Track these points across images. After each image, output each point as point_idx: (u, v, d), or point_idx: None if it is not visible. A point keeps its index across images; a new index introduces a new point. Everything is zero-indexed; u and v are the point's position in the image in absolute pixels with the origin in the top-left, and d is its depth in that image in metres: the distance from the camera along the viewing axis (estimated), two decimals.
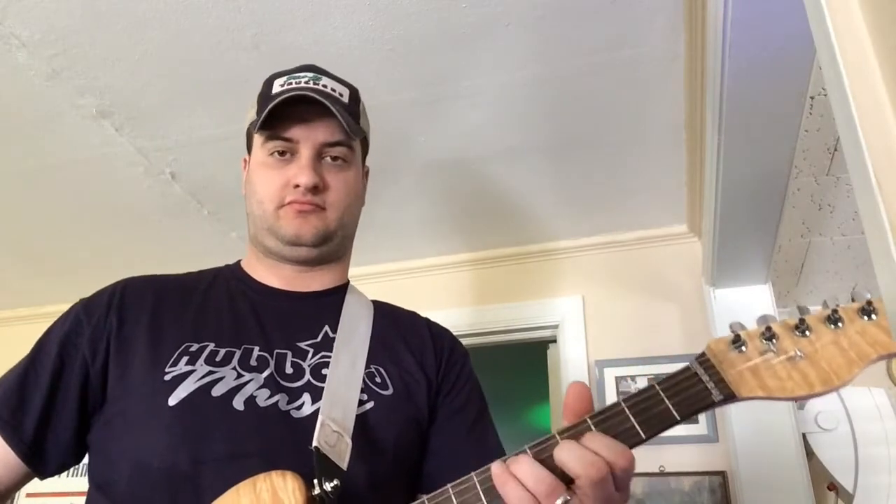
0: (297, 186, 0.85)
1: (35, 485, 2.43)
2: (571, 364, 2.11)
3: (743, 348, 0.61)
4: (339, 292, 0.94)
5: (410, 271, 2.44)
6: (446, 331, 0.99)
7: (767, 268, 1.88)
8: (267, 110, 0.84)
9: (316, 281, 0.93)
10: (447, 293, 2.38)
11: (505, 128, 1.73)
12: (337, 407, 0.77)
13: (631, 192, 2.03)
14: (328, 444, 0.73)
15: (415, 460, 0.86)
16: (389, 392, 0.84)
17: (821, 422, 1.85)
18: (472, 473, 0.62)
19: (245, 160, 0.96)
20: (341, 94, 0.92)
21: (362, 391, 0.82)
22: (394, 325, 0.94)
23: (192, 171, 1.92)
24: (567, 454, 0.57)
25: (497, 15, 1.37)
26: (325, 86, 0.91)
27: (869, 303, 0.60)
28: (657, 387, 0.61)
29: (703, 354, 0.62)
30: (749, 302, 1.94)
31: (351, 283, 0.98)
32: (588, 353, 2.11)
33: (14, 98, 1.62)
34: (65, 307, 0.90)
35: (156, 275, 0.93)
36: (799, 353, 0.59)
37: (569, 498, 0.56)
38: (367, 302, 0.96)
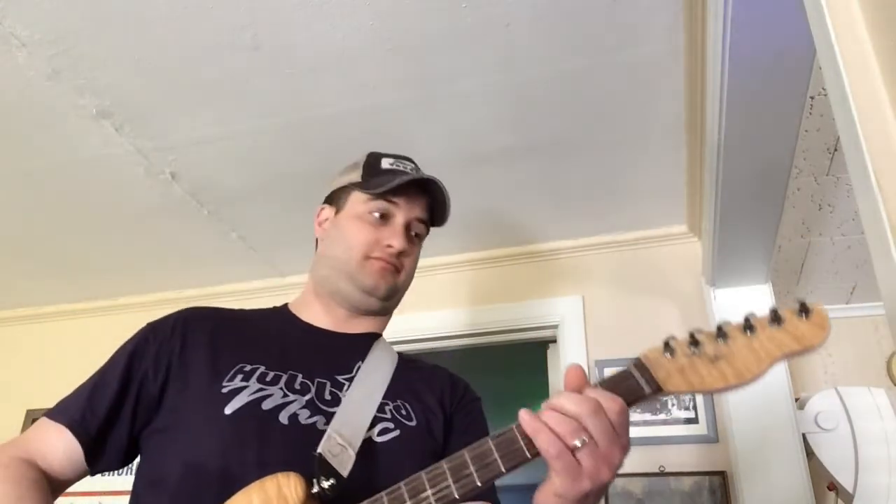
0: (388, 247, 1.00)
1: None
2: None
3: (671, 354, 0.74)
4: (372, 338, 1.06)
5: None
6: (463, 380, 1.11)
7: (767, 268, 1.88)
8: (401, 181, 1.01)
9: (359, 325, 1.05)
10: (448, 293, 2.38)
11: (505, 127, 1.73)
12: (347, 426, 0.89)
13: (631, 192, 2.03)
14: (331, 453, 0.84)
15: None
16: (414, 423, 0.96)
17: (821, 422, 1.85)
18: (464, 450, 0.72)
19: (322, 209, 1.12)
20: (441, 184, 1.06)
21: (390, 420, 0.94)
22: (416, 370, 1.07)
23: (192, 171, 1.93)
24: (563, 399, 0.71)
25: (497, 15, 1.37)
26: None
27: (775, 312, 0.71)
28: (599, 386, 0.73)
29: (638, 360, 0.75)
30: (749, 302, 1.94)
31: (382, 335, 1.10)
32: (588, 353, 2.11)
33: (14, 98, 1.62)
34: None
35: (214, 307, 1.07)
36: (717, 355, 0.72)
37: (586, 439, 0.68)
38: (392, 351, 1.09)
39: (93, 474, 0.92)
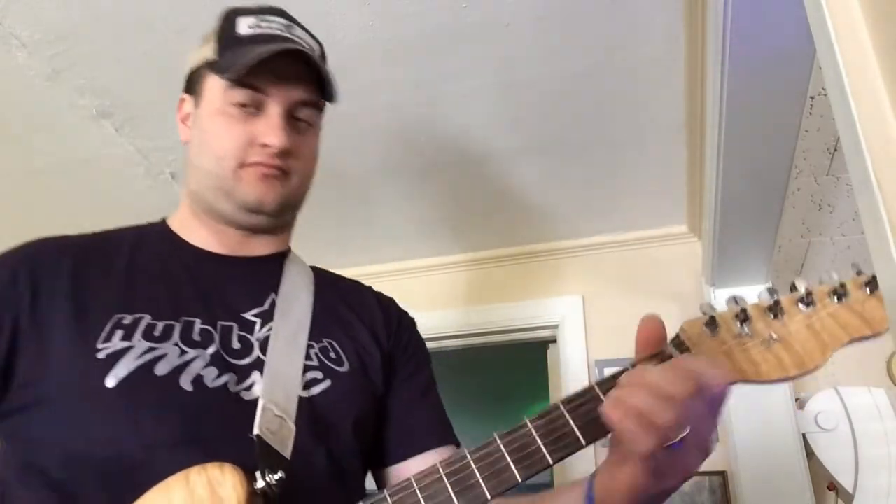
0: (264, 146, 0.77)
1: None
2: (571, 364, 2.10)
3: (714, 331, 0.60)
4: (281, 258, 0.87)
5: (410, 271, 2.44)
6: (392, 300, 0.94)
7: (767, 268, 1.88)
8: (253, 59, 0.74)
9: (260, 246, 0.85)
10: (447, 293, 2.38)
11: (505, 128, 1.73)
12: (278, 387, 0.71)
13: (631, 192, 2.03)
14: (270, 430, 0.67)
15: (372, 433, 0.83)
16: (345, 368, 0.79)
17: (821, 422, 1.85)
18: (467, 451, 0.60)
19: (183, 100, 0.86)
20: (313, 50, 0.83)
21: (317, 368, 0.77)
22: (339, 294, 0.89)
23: None
24: (658, 376, 0.54)
25: (497, 15, 1.37)
26: (299, 37, 0.82)
27: (842, 285, 0.59)
28: (630, 368, 0.59)
29: (677, 337, 0.60)
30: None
31: (292, 250, 0.91)
32: (588, 353, 2.11)
33: (14, 98, 1.61)
34: None
35: (68, 235, 0.81)
36: (773, 336, 0.58)
37: (689, 429, 0.53)
38: (307, 270, 0.90)
39: None
